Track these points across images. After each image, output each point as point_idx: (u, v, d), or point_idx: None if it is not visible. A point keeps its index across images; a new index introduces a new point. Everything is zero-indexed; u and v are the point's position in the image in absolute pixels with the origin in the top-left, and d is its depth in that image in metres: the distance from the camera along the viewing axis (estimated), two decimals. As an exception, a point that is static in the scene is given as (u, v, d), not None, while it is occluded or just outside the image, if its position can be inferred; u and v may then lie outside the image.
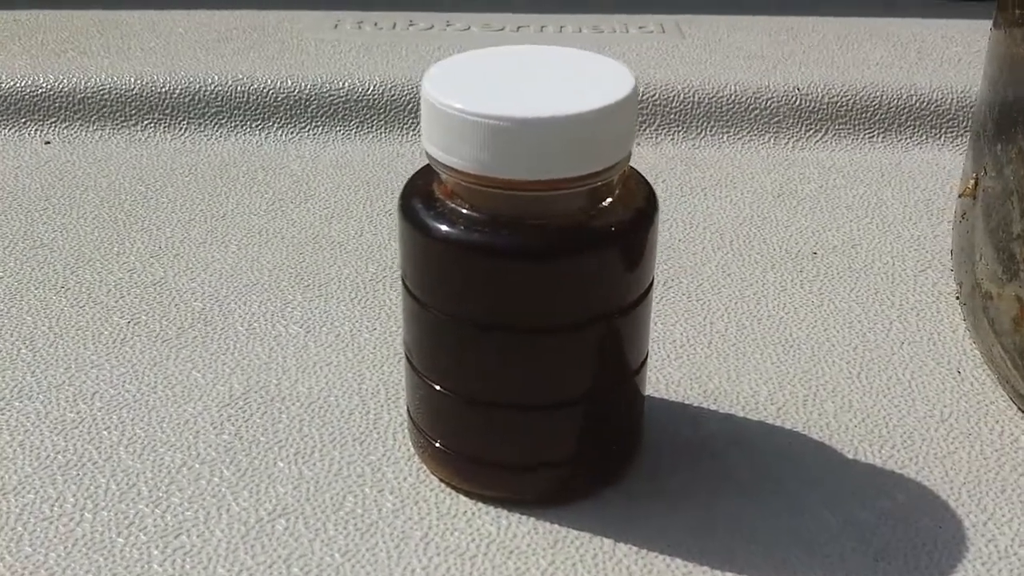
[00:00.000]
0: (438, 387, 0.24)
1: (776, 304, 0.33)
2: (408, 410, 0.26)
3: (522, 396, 0.23)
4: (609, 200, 0.23)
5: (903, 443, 0.27)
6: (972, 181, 0.29)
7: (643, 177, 0.24)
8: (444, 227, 0.22)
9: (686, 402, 0.28)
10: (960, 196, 0.30)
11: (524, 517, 0.24)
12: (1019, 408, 0.28)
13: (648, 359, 0.25)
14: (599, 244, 0.22)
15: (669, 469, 0.26)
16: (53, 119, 0.44)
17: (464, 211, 0.22)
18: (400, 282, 0.24)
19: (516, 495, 0.24)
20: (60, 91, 0.45)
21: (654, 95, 0.44)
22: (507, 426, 0.23)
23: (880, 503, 0.25)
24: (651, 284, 0.24)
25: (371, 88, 0.44)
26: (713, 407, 0.28)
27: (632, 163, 0.23)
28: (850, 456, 0.26)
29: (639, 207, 0.23)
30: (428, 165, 0.23)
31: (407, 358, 0.25)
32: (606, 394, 0.24)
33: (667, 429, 0.27)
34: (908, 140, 0.43)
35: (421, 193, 0.23)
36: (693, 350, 0.30)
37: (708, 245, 0.36)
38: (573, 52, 0.24)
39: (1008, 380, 0.28)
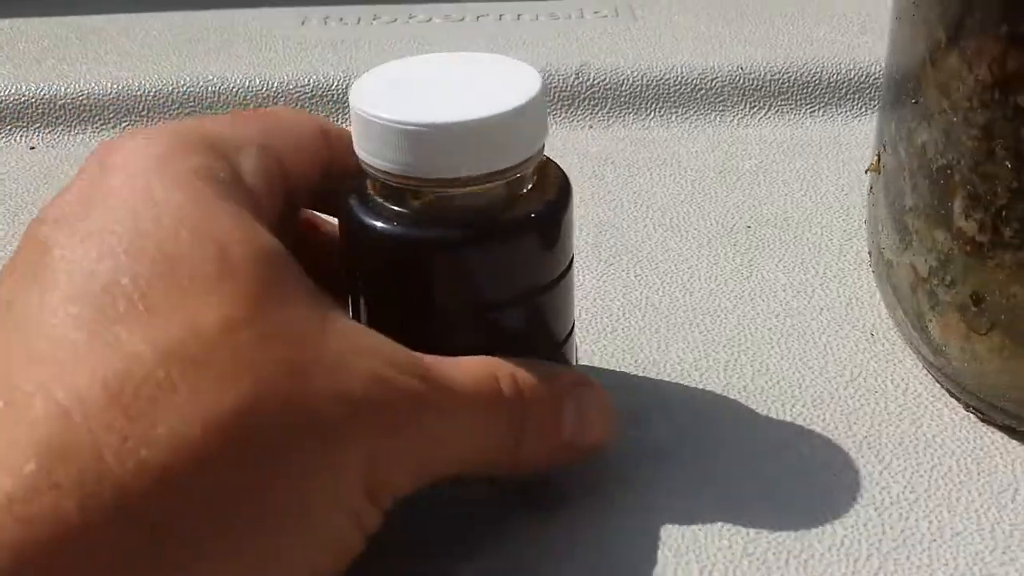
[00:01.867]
0: None
1: (708, 276, 0.35)
2: None
3: None
4: (526, 190, 0.25)
5: (812, 402, 0.29)
6: (876, 157, 0.31)
7: (559, 167, 0.26)
8: (377, 223, 0.24)
9: (618, 371, 0.31)
10: (866, 171, 0.32)
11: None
12: (924, 368, 0.30)
13: (574, 331, 0.28)
14: (516, 231, 0.25)
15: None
16: (37, 125, 0.47)
17: (393, 207, 0.24)
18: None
19: None
20: (42, 98, 0.47)
21: (605, 79, 0.46)
22: None
23: (785, 456, 0.27)
24: (570, 263, 0.26)
25: (335, 83, 0.47)
26: (642, 374, 0.30)
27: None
28: (762, 415, 0.29)
29: (552, 196, 0.25)
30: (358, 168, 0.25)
31: None
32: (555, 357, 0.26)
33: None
34: (848, 113, 0.45)
35: (356, 191, 0.25)
36: (628, 323, 0.33)
37: (650, 223, 0.38)
38: (488, 57, 0.26)
39: (911, 341, 0.30)
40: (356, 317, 0.26)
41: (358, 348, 0.21)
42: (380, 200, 0.25)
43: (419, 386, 0.22)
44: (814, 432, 0.28)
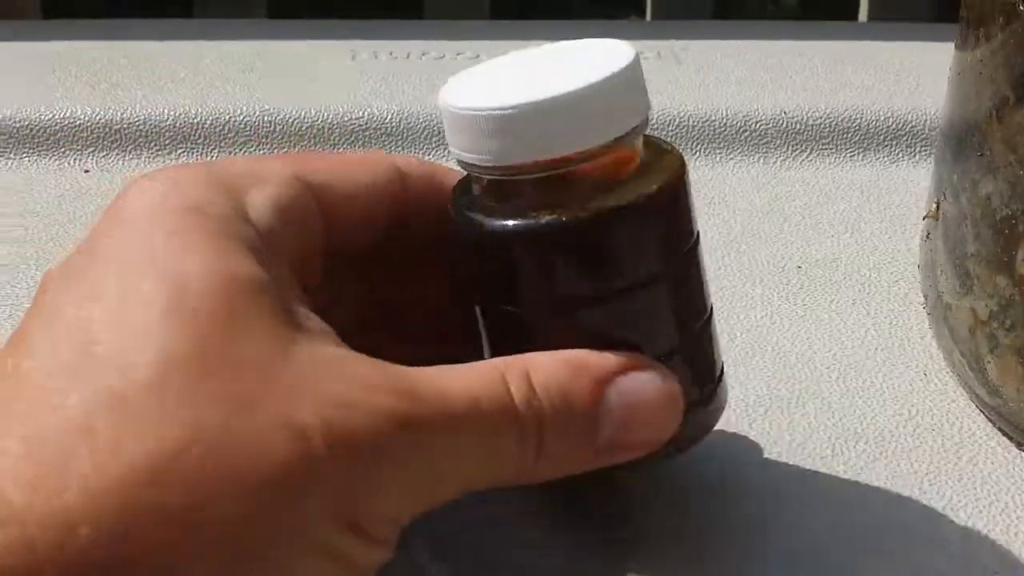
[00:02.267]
0: None
1: (763, 314, 0.36)
2: None
3: None
4: (635, 163, 0.24)
5: (875, 439, 0.30)
6: (934, 204, 0.32)
7: (670, 144, 0.26)
8: (496, 222, 0.23)
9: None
10: (924, 218, 0.33)
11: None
12: (977, 407, 0.31)
13: (712, 318, 0.26)
14: (636, 210, 0.23)
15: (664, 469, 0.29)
16: (91, 149, 0.48)
17: (507, 204, 0.23)
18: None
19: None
20: (97, 122, 0.48)
21: (652, 121, 0.47)
22: None
23: (854, 492, 0.28)
24: (698, 236, 0.25)
25: (388, 116, 0.48)
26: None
27: None
28: (828, 452, 0.30)
29: (667, 174, 0.24)
30: (465, 177, 0.25)
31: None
32: (690, 343, 0.25)
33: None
34: (886, 159, 0.47)
35: (463, 199, 0.24)
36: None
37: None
38: (574, 42, 0.25)
39: (967, 382, 0.31)
40: (479, 330, 0.25)
41: (324, 374, 0.20)
42: (492, 202, 0.24)
43: (399, 406, 0.20)
44: (879, 468, 0.29)
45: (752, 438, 0.30)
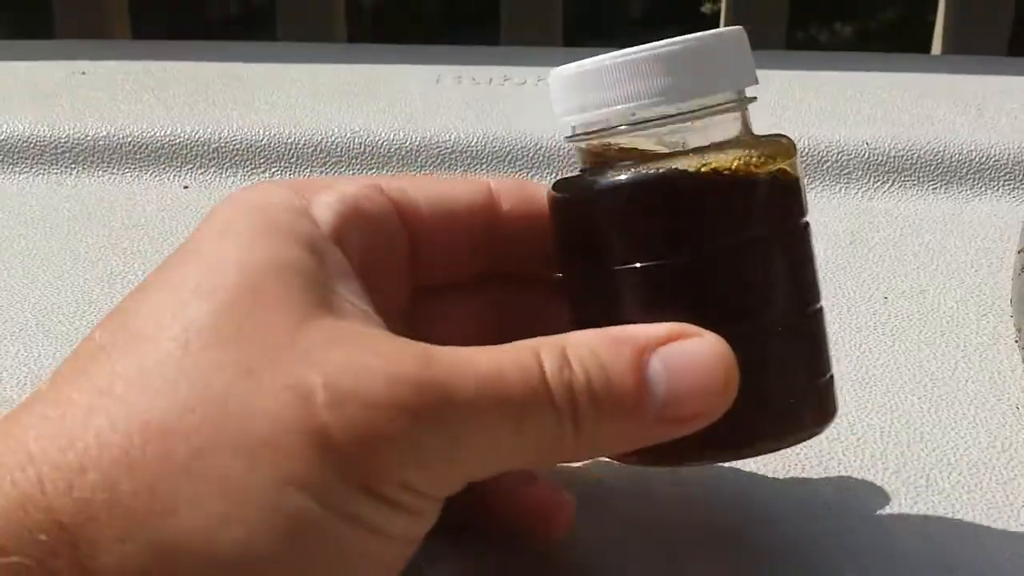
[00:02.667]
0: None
1: (852, 344, 0.37)
2: None
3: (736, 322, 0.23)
4: (749, 131, 0.24)
5: (969, 470, 0.31)
6: (1031, 240, 0.32)
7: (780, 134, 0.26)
8: (621, 176, 0.23)
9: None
10: (1020, 251, 0.33)
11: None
12: (1074, 441, 0.31)
13: (822, 311, 0.26)
14: (753, 175, 0.23)
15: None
16: (190, 166, 0.50)
17: (620, 167, 0.23)
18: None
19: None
20: (196, 140, 0.50)
21: (733, 148, 0.48)
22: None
23: (950, 523, 0.29)
24: (807, 225, 0.25)
25: (474, 140, 0.49)
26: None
27: None
28: (923, 482, 0.30)
29: (779, 146, 0.24)
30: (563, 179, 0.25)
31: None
32: (788, 324, 0.24)
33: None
34: (969, 192, 0.47)
35: (571, 177, 0.24)
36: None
37: (787, 289, 0.40)
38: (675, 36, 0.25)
39: (1064, 417, 0.31)
40: (603, 304, 0.24)
41: (339, 343, 0.20)
42: (605, 167, 0.23)
43: (412, 371, 0.20)
44: (975, 499, 0.29)
45: (845, 467, 0.31)
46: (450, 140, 0.49)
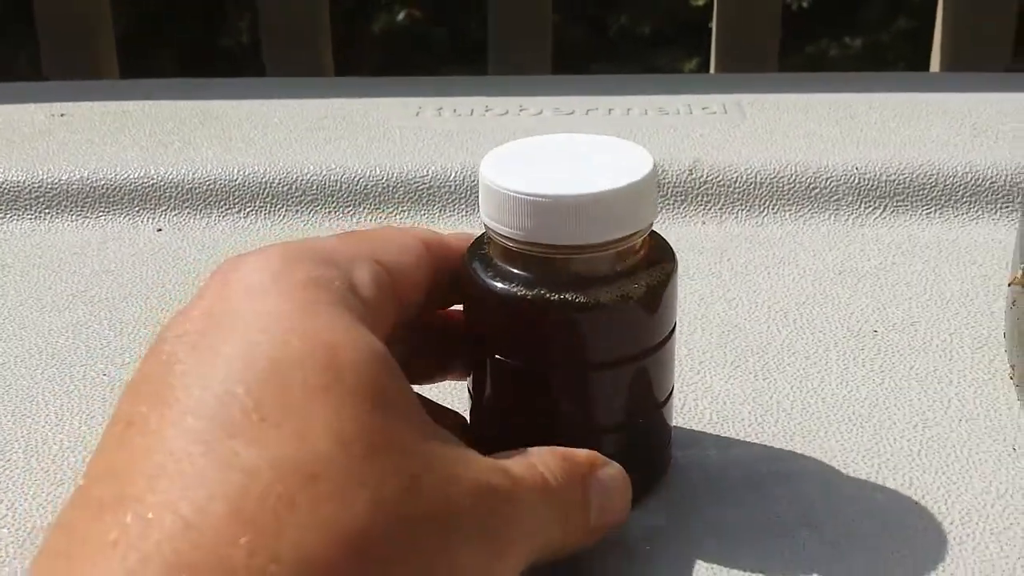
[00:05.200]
0: (499, 422, 0.28)
1: (839, 382, 0.35)
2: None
3: (573, 424, 0.27)
4: (636, 258, 0.27)
5: (961, 520, 0.29)
6: (1020, 271, 0.31)
7: (665, 240, 0.28)
8: (499, 284, 0.26)
9: (754, 477, 0.30)
10: (1010, 284, 0.32)
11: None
12: (1073, 486, 0.29)
13: (673, 394, 0.29)
14: (625, 298, 0.26)
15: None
16: (164, 208, 0.49)
17: (514, 271, 0.26)
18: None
19: None
20: (170, 182, 0.49)
21: (718, 176, 0.47)
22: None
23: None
24: (673, 329, 0.28)
25: (452, 174, 0.48)
26: (781, 486, 0.30)
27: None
28: (911, 533, 0.28)
29: (659, 267, 0.27)
30: (482, 235, 0.28)
31: (470, 396, 0.29)
32: (639, 422, 0.28)
33: (731, 502, 0.29)
34: (964, 216, 0.45)
35: (479, 256, 0.27)
36: (760, 429, 0.33)
37: (773, 324, 0.38)
38: (604, 138, 0.28)
39: (1062, 460, 0.29)
40: (480, 372, 0.28)
41: (460, 457, 0.22)
42: (503, 264, 0.26)
43: (509, 486, 0.23)
44: (966, 551, 0.28)
45: (826, 514, 0.29)
46: (427, 175, 0.48)
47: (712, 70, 0.72)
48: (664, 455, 0.30)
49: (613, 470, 0.26)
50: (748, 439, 0.32)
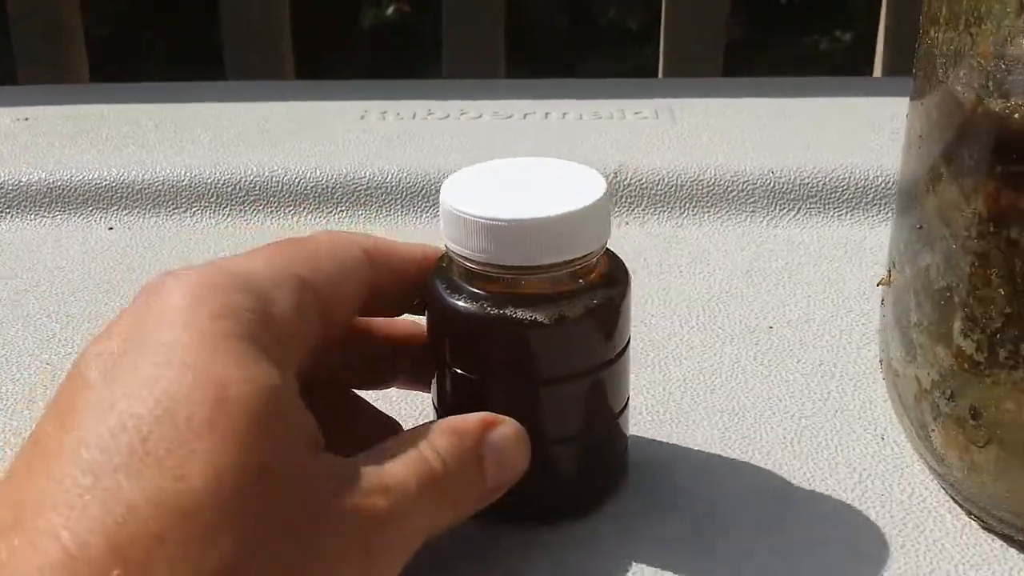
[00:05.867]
0: None
1: (729, 375, 0.37)
2: None
3: (531, 435, 0.28)
4: (591, 278, 0.28)
5: (820, 501, 0.31)
6: (888, 272, 0.33)
7: (620, 259, 0.30)
8: (460, 303, 0.28)
9: (634, 464, 0.33)
10: (878, 284, 0.34)
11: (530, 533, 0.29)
12: (929, 473, 0.32)
13: (628, 405, 0.31)
14: (580, 315, 0.28)
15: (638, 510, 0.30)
16: (115, 208, 0.51)
17: (474, 289, 0.28)
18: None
19: (522, 514, 0.29)
20: (122, 183, 0.51)
21: (641, 179, 0.49)
22: None
23: (792, 557, 0.29)
24: (627, 344, 0.30)
25: (390, 176, 0.50)
26: (659, 472, 0.32)
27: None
28: (772, 515, 0.30)
29: (612, 285, 0.29)
30: (444, 254, 0.29)
31: (435, 410, 0.30)
32: (596, 431, 0.30)
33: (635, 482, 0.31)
34: (875, 218, 0.47)
35: (442, 275, 0.29)
36: (648, 418, 0.35)
37: (676, 320, 0.40)
38: (560, 162, 0.30)
39: (917, 449, 0.31)
40: (441, 385, 0.29)
41: (340, 487, 0.23)
42: (463, 283, 0.28)
43: (388, 507, 0.24)
44: (821, 534, 0.30)
45: (693, 497, 0.31)
46: (365, 176, 0.50)
47: (660, 74, 0.74)
48: (621, 462, 0.31)
49: (506, 428, 0.27)
50: (634, 427, 0.34)
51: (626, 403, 0.31)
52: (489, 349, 0.28)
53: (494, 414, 0.27)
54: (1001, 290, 0.27)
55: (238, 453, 0.22)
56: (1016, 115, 0.25)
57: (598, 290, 0.28)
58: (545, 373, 0.28)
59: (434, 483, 0.25)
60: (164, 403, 0.22)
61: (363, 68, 1.63)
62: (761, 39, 1.63)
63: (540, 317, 0.27)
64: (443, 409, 0.30)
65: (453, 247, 0.28)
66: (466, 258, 0.27)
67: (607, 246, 0.29)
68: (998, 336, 0.27)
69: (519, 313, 0.27)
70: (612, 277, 0.29)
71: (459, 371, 0.29)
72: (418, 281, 0.29)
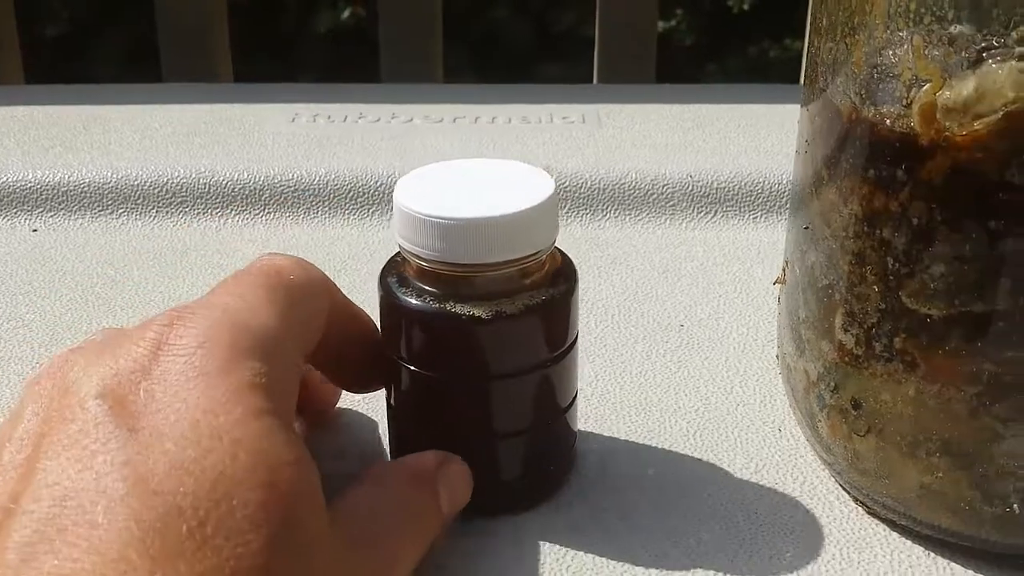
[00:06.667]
0: (414, 428, 0.31)
1: (638, 372, 0.38)
2: (389, 451, 0.33)
3: (481, 429, 0.30)
4: (539, 275, 0.29)
5: (717, 493, 0.32)
6: (782, 270, 0.34)
7: (568, 257, 0.31)
8: (412, 300, 0.29)
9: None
10: (774, 283, 0.35)
11: (483, 523, 0.30)
12: (820, 462, 0.33)
13: (576, 399, 0.32)
14: (528, 311, 0.29)
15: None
16: (40, 209, 0.51)
17: (425, 287, 0.29)
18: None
19: (476, 507, 0.30)
20: (47, 184, 0.51)
21: (565, 182, 0.50)
22: (469, 453, 0.30)
23: (686, 541, 0.30)
24: (575, 339, 0.31)
25: (317, 179, 0.51)
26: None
27: None
28: (669, 504, 0.31)
29: (560, 282, 0.30)
30: (396, 254, 0.30)
31: (388, 405, 0.31)
32: (544, 426, 0.31)
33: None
34: (787, 221, 0.49)
35: (394, 272, 0.30)
36: (559, 413, 0.36)
37: (592, 318, 0.42)
38: (510, 163, 0.31)
39: (808, 438, 0.33)
40: (394, 380, 0.30)
41: (348, 554, 0.25)
42: (414, 280, 0.29)
43: (381, 557, 0.26)
44: (714, 520, 0.31)
45: (599, 487, 0.32)
46: (293, 179, 0.51)
47: (595, 80, 0.76)
48: (569, 455, 0.32)
49: (455, 464, 0.29)
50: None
51: (574, 398, 0.32)
52: (435, 344, 0.29)
53: (444, 453, 0.29)
54: (875, 287, 0.28)
55: (282, 555, 0.22)
56: (887, 122, 0.27)
57: (542, 288, 0.29)
58: (492, 369, 0.29)
59: (414, 527, 0.28)
60: (220, 482, 0.22)
61: (317, 72, 1.63)
62: (716, 45, 1.65)
63: (480, 313, 0.28)
64: (397, 405, 0.31)
65: (406, 245, 0.29)
66: (417, 256, 0.28)
67: (556, 246, 0.30)
68: (874, 330, 0.28)
69: (459, 308, 0.28)
70: (558, 276, 0.30)
71: (409, 366, 0.29)
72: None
